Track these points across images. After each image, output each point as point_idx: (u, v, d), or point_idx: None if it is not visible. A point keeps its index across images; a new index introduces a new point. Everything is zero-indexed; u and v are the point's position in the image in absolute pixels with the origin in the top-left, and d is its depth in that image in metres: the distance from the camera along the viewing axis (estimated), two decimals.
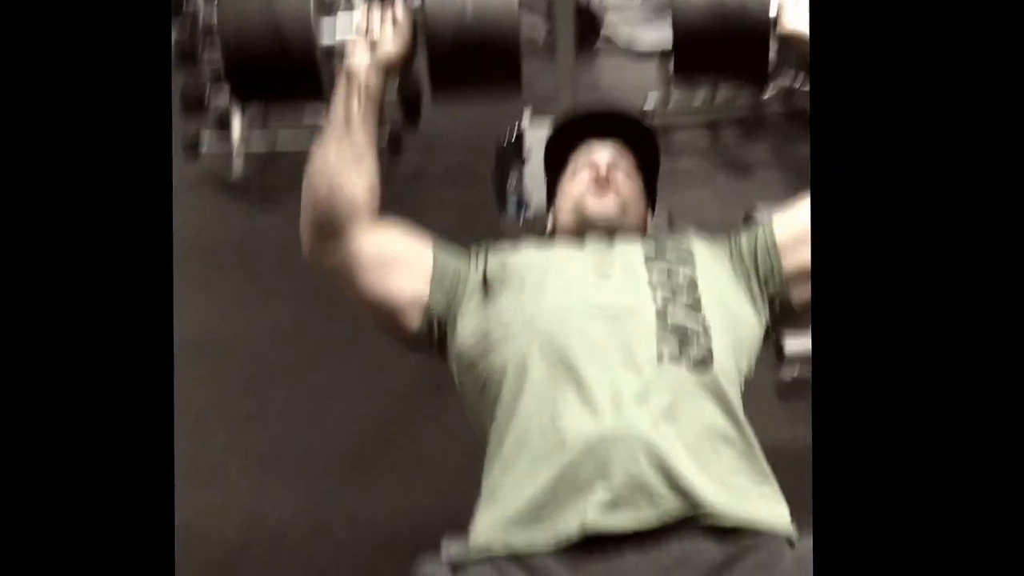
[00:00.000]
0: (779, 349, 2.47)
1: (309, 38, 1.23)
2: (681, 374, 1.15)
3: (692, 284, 1.24)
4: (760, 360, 2.52)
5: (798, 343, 2.47)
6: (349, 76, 1.26)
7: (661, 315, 1.19)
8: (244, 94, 1.30)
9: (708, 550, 1.04)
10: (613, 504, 1.05)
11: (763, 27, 1.23)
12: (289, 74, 1.24)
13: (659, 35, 6.61)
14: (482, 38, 1.21)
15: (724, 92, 4.93)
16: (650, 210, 1.51)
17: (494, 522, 1.09)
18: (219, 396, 2.55)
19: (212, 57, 4.05)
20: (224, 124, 4.32)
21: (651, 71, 5.16)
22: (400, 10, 1.26)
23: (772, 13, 1.24)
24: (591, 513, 1.04)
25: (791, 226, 1.32)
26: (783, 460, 2.31)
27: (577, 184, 1.44)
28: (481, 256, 1.34)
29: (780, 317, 1.33)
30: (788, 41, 1.27)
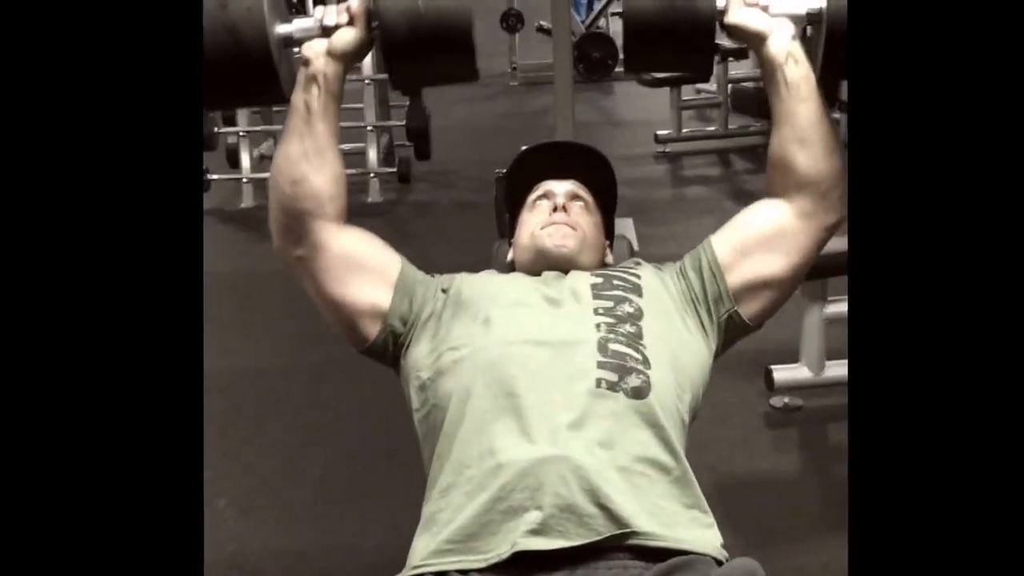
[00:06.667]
0: (769, 378, 2.54)
1: (263, 36, 1.23)
2: (618, 403, 1.18)
3: (636, 316, 1.28)
4: (749, 389, 2.60)
5: (787, 373, 2.54)
6: (306, 65, 1.28)
7: (602, 345, 1.22)
8: (207, 100, 1.23)
9: (636, 569, 1.06)
10: (543, 526, 1.08)
11: (710, 20, 1.27)
12: (246, 74, 1.23)
13: None
14: (436, 26, 1.23)
15: (736, 121, 5.01)
16: (608, 243, 1.53)
17: (428, 548, 1.12)
18: (209, 427, 2.55)
19: None
20: (234, 162, 4.52)
21: (664, 98, 5.19)
22: (355, 2, 1.29)
23: (720, 4, 1.29)
24: (521, 537, 1.07)
25: (729, 243, 1.34)
26: (771, 486, 2.38)
27: (536, 215, 1.45)
28: (442, 284, 1.35)
29: (735, 334, 1.35)
30: (733, 32, 1.31)
